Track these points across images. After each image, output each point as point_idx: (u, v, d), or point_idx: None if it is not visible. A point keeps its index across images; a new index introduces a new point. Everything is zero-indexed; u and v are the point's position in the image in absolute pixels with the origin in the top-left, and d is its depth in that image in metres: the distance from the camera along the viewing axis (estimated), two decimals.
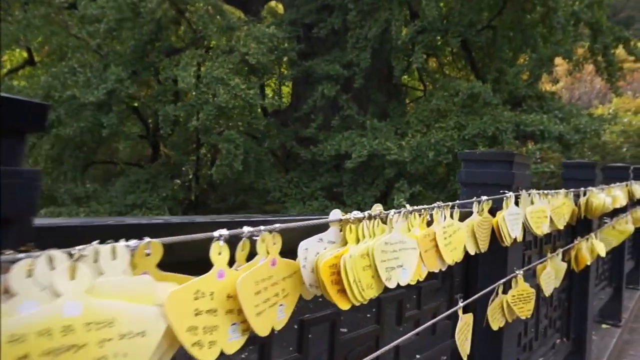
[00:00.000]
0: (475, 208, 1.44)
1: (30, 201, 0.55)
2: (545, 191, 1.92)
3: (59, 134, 7.61)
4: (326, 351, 1.08)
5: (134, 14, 7.54)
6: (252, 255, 0.75)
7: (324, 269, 0.84)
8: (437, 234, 1.20)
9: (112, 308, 0.52)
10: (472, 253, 1.39)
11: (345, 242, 0.92)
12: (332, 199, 8.15)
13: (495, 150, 2.76)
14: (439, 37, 8.78)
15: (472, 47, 9.34)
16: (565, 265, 2.22)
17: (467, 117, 7.72)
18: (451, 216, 1.28)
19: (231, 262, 0.71)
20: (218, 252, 0.66)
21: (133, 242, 0.57)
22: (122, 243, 0.56)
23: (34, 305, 0.47)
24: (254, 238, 0.73)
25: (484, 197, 1.48)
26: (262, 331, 0.71)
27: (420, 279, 1.12)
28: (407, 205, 1.12)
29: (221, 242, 0.66)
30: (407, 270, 1.05)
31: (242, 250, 0.73)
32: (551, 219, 1.90)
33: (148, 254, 0.59)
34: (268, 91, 11.51)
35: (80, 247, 0.52)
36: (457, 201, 1.34)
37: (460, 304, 1.34)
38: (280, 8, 11.30)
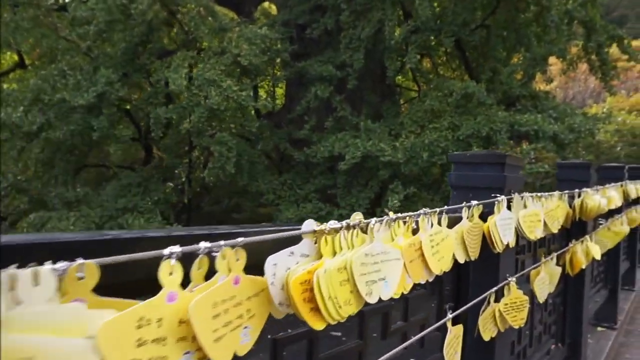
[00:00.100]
0: (464, 213, 1.37)
1: None
2: (539, 194, 1.86)
3: (48, 137, 7.52)
4: None
5: (124, 15, 7.46)
6: (213, 272, 0.68)
7: (295, 286, 0.76)
8: (424, 242, 1.13)
9: (32, 343, 0.45)
10: (462, 261, 1.32)
11: (320, 255, 0.85)
12: (326, 201, 8.08)
13: (486, 152, 2.69)
14: (432, 37, 8.73)
15: (466, 47, 9.31)
16: (559, 269, 2.15)
17: (461, 118, 7.67)
18: (439, 223, 1.21)
19: (188, 282, 0.63)
20: (169, 272, 0.59)
21: (61, 265, 0.50)
22: (47, 266, 0.49)
23: None
24: (214, 254, 0.66)
25: (474, 202, 1.41)
26: (221, 359, 0.64)
27: (405, 292, 1.05)
28: (391, 213, 1.05)
29: (172, 261, 0.59)
30: (390, 283, 0.98)
31: (198, 269, 0.65)
32: (545, 222, 1.84)
33: (80, 278, 0.52)
34: (261, 93, 11.43)
35: None
36: (445, 207, 1.27)
37: (449, 315, 1.27)
38: (273, 9, 11.23)
